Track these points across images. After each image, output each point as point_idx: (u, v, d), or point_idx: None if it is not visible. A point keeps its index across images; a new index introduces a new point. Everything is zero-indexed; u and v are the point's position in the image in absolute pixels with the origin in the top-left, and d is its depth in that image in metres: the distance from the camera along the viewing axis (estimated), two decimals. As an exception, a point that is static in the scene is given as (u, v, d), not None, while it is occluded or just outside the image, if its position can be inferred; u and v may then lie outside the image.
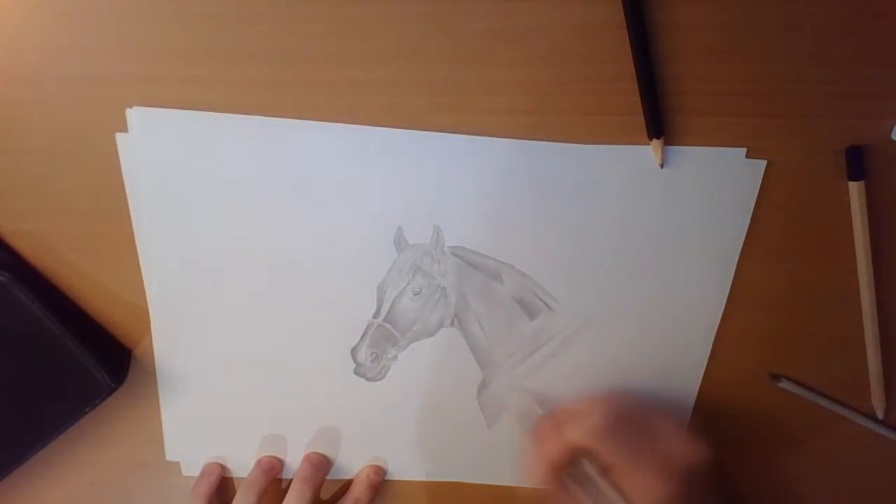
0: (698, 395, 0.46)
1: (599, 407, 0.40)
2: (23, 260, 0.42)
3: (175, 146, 0.39)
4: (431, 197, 0.41)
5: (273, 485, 0.47)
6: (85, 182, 0.40)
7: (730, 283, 0.43)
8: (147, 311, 0.43)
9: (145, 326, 0.43)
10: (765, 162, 0.40)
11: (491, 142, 0.40)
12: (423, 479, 0.48)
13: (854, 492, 0.49)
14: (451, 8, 0.37)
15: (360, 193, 0.41)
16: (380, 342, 0.44)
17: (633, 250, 0.42)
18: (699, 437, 0.39)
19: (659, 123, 0.39)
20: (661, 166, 0.40)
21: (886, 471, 0.48)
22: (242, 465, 0.47)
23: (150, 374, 0.45)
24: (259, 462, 0.47)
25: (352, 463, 0.48)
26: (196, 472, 0.47)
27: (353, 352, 0.44)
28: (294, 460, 0.47)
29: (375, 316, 0.44)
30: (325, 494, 0.49)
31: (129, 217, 0.41)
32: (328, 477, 0.48)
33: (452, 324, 0.44)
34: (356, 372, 0.45)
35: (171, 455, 0.47)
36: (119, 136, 0.39)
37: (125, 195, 0.40)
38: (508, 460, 0.48)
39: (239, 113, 0.39)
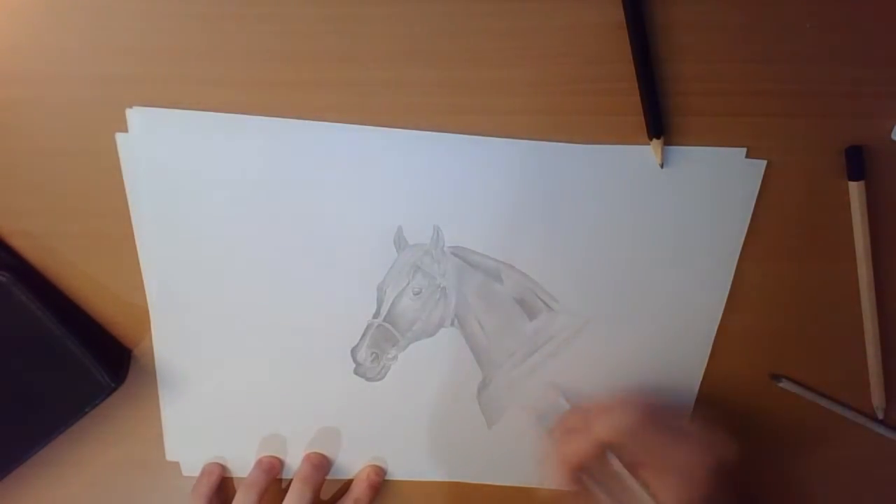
0: (698, 395, 0.46)
1: (631, 404, 0.40)
2: (23, 260, 0.42)
3: (175, 146, 0.39)
4: (431, 197, 0.41)
5: (273, 485, 0.47)
6: (85, 182, 0.40)
7: (730, 283, 0.43)
8: (147, 311, 0.43)
9: (145, 326, 0.44)
10: (765, 162, 0.40)
11: (491, 142, 0.40)
12: (423, 480, 0.48)
13: (854, 492, 0.49)
14: (451, 8, 0.37)
15: (360, 193, 0.41)
16: (380, 342, 0.44)
17: (633, 250, 0.42)
18: (725, 440, 0.39)
19: (659, 123, 0.39)
20: (661, 166, 0.40)
21: (886, 471, 0.48)
22: (242, 465, 0.47)
23: (150, 374, 0.45)
24: (259, 462, 0.47)
25: (351, 463, 0.48)
26: (196, 472, 0.47)
27: (353, 352, 0.44)
28: (294, 460, 0.47)
29: (375, 316, 0.44)
30: (326, 494, 0.49)
31: (129, 217, 0.41)
32: (328, 477, 0.48)
33: (452, 324, 0.44)
34: (356, 372, 0.45)
35: (171, 455, 0.47)
36: (119, 136, 0.39)
37: (125, 195, 0.40)
38: (508, 460, 0.48)
39: (239, 113, 0.39)
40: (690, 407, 0.46)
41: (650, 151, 0.40)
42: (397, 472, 0.48)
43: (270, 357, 0.45)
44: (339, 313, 0.44)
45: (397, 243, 0.42)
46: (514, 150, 0.40)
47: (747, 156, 0.40)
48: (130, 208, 0.41)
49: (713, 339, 0.44)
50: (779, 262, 0.43)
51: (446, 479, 0.48)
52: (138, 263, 0.42)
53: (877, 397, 0.45)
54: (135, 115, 0.39)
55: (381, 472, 0.48)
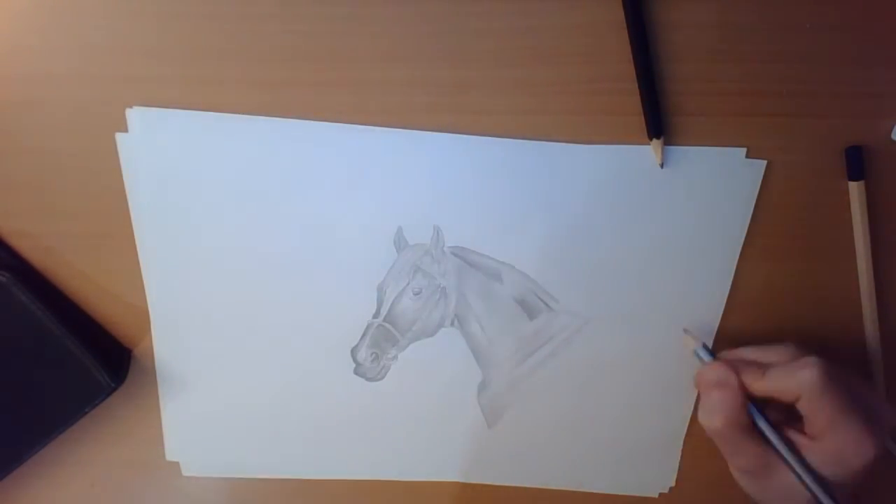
0: (698, 395, 0.46)
1: (810, 360, 0.37)
2: (23, 260, 0.42)
3: (175, 146, 0.39)
4: (431, 197, 0.41)
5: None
6: (85, 182, 0.40)
7: (730, 283, 0.43)
8: (147, 311, 0.43)
9: (145, 326, 0.44)
10: (765, 162, 0.40)
11: (491, 142, 0.40)
12: (423, 480, 0.48)
13: (853, 492, 0.49)
14: (451, 8, 0.37)
15: (360, 193, 0.41)
16: (380, 342, 0.44)
17: (633, 250, 0.42)
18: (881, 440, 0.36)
19: (659, 123, 0.39)
20: (661, 166, 0.40)
21: (886, 471, 0.48)
22: (243, 466, 0.47)
23: (150, 374, 0.45)
24: None
25: (352, 463, 0.48)
26: (196, 473, 0.47)
27: (353, 352, 0.44)
28: (293, 460, 0.47)
29: (375, 316, 0.44)
30: (328, 495, 0.49)
31: (129, 217, 0.41)
32: (329, 477, 0.48)
33: (452, 324, 0.44)
34: (356, 372, 0.45)
35: (171, 455, 0.47)
36: (119, 136, 0.39)
37: (125, 195, 0.40)
38: (508, 460, 0.48)
39: (239, 113, 0.39)
40: (691, 407, 0.46)
41: (650, 151, 0.40)
42: (397, 473, 0.48)
43: (270, 357, 0.45)
44: (339, 313, 0.44)
45: (397, 243, 0.42)
46: (515, 150, 0.40)
47: (747, 156, 0.40)
48: (130, 208, 0.41)
49: (713, 338, 0.44)
50: (779, 262, 0.43)
51: (446, 480, 0.48)
52: (138, 263, 0.42)
53: (877, 397, 0.45)
54: (135, 115, 0.39)
55: None
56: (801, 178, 0.41)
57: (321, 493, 0.48)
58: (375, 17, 0.37)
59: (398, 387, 0.45)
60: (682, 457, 0.47)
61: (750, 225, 0.41)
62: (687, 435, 0.47)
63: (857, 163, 0.40)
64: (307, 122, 0.39)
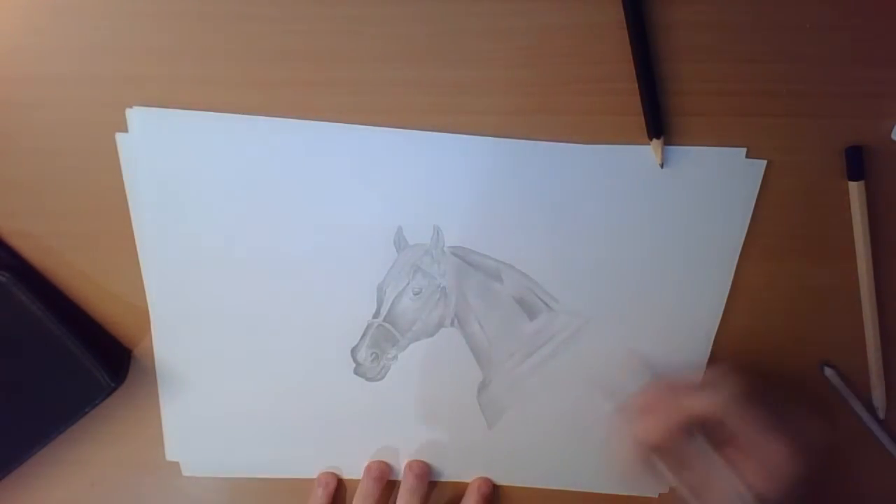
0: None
1: (731, 377, 0.38)
2: (23, 260, 0.42)
3: (175, 146, 0.39)
4: (431, 197, 0.41)
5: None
6: (85, 182, 0.40)
7: (730, 283, 0.43)
8: (147, 311, 0.43)
9: (145, 326, 0.44)
10: (765, 162, 0.40)
11: (491, 142, 0.40)
12: (423, 479, 0.48)
13: (854, 492, 0.49)
14: (451, 8, 0.37)
15: (360, 193, 0.41)
16: (380, 342, 0.44)
17: (633, 250, 0.42)
18: (823, 428, 0.38)
19: (659, 123, 0.39)
20: (661, 166, 0.40)
21: (887, 472, 0.48)
22: (243, 466, 0.47)
23: (150, 374, 0.45)
24: (368, 469, 0.46)
25: (352, 463, 0.48)
26: (196, 472, 0.47)
27: (353, 352, 0.44)
28: (294, 460, 0.47)
29: (375, 316, 0.44)
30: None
31: (129, 217, 0.41)
32: (327, 469, 0.48)
33: (452, 324, 0.44)
34: (356, 372, 0.45)
35: (171, 455, 0.47)
36: (119, 136, 0.39)
37: (125, 195, 0.40)
38: (508, 460, 0.48)
39: (239, 113, 0.39)
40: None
41: (650, 151, 0.40)
42: (397, 473, 0.48)
43: (270, 357, 0.45)
44: (339, 313, 0.44)
45: (397, 243, 0.42)
46: (515, 150, 0.40)
47: (747, 156, 0.40)
48: (130, 208, 0.41)
49: (713, 338, 0.44)
50: (779, 262, 0.43)
51: (446, 480, 0.48)
52: (138, 263, 0.42)
53: (877, 397, 0.45)
54: (135, 115, 0.39)
55: (490, 483, 0.47)
56: (801, 178, 0.41)
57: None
58: (375, 17, 0.37)
59: (398, 387, 0.45)
60: (682, 457, 0.47)
61: (750, 225, 0.41)
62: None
63: (857, 163, 0.40)
64: (307, 122, 0.39)
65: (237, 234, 0.42)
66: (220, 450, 0.47)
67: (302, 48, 0.38)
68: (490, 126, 0.39)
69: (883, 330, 0.43)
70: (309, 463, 0.48)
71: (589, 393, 0.45)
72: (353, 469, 0.48)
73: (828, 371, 0.45)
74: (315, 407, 0.46)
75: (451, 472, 0.48)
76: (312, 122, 0.39)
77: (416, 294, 0.43)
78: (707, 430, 0.38)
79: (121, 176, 0.40)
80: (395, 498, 0.47)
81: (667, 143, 0.40)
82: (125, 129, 0.39)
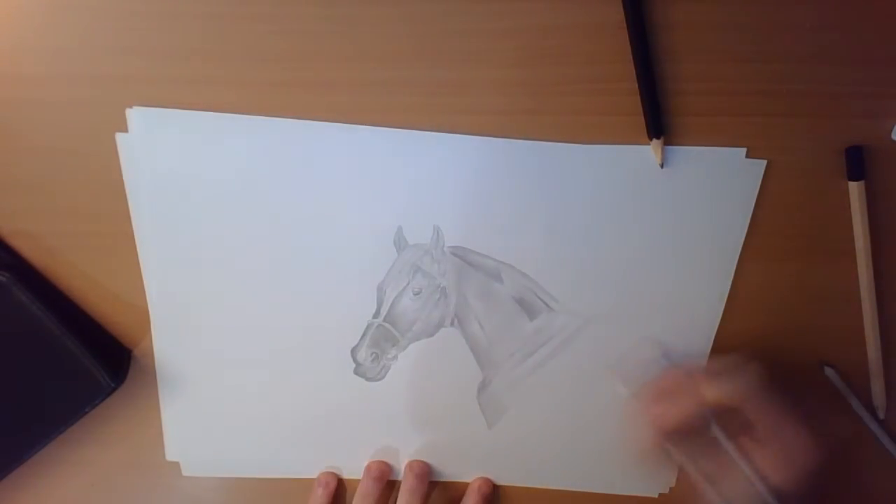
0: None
1: (751, 366, 0.38)
2: (23, 260, 0.42)
3: (175, 146, 0.39)
4: (431, 197, 0.41)
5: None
6: (85, 182, 0.40)
7: (730, 283, 0.43)
8: (147, 311, 0.43)
9: (145, 326, 0.44)
10: (765, 162, 0.40)
11: (491, 142, 0.40)
12: (423, 479, 0.48)
13: (854, 492, 0.49)
14: (451, 8, 0.37)
15: (360, 193, 0.41)
16: (380, 342, 0.44)
17: (633, 250, 0.42)
18: (841, 424, 0.38)
19: (659, 123, 0.39)
20: (661, 166, 0.40)
21: (887, 472, 0.48)
22: (243, 466, 0.47)
23: (150, 374, 0.45)
24: (368, 469, 0.46)
25: (352, 463, 0.48)
26: (196, 473, 0.47)
27: (353, 352, 0.44)
28: (294, 460, 0.47)
29: (375, 316, 0.44)
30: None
31: (129, 217, 0.41)
32: (327, 469, 0.48)
33: (452, 324, 0.44)
34: (356, 372, 0.45)
35: (171, 455, 0.47)
36: (119, 136, 0.39)
37: (125, 195, 0.40)
38: (508, 460, 0.48)
39: (239, 113, 0.39)
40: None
41: (650, 151, 0.40)
42: (397, 473, 0.48)
43: (270, 357, 0.45)
44: (339, 313, 0.44)
45: (397, 243, 0.42)
46: (514, 150, 0.40)
47: (747, 156, 0.40)
48: (130, 208, 0.41)
49: (713, 338, 0.44)
50: (779, 262, 0.43)
51: (446, 480, 0.48)
52: (138, 263, 0.42)
53: (877, 397, 0.45)
54: (135, 115, 0.39)
55: (491, 483, 0.48)
56: (801, 178, 0.41)
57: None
58: (375, 18, 0.37)
59: (398, 387, 0.45)
60: (682, 457, 0.47)
61: (750, 225, 0.41)
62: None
63: (857, 163, 0.40)
64: (307, 122, 0.39)
65: (237, 234, 0.42)
66: (220, 450, 0.47)
67: (301, 48, 0.38)
68: (490, 126, 0.39)
69: (883, 330, 0.43)
70: (309, 463, 0.48)
71: (590, 391, 0.45)
72: (353, 469, 0.48)
73: (828, 371, 0.45)
74: (315, 407, 0.46)
75: (451, 472, 0.48)
76: (312, 122, 0.39)
77: (416, 294, 0.43)
78: (723, 419, 0.38)
79: (121, 176, 0.40)
80: (395, 498, 0.47)
81: (667, 143, 0.40)
82: (125, 129, 0.39)
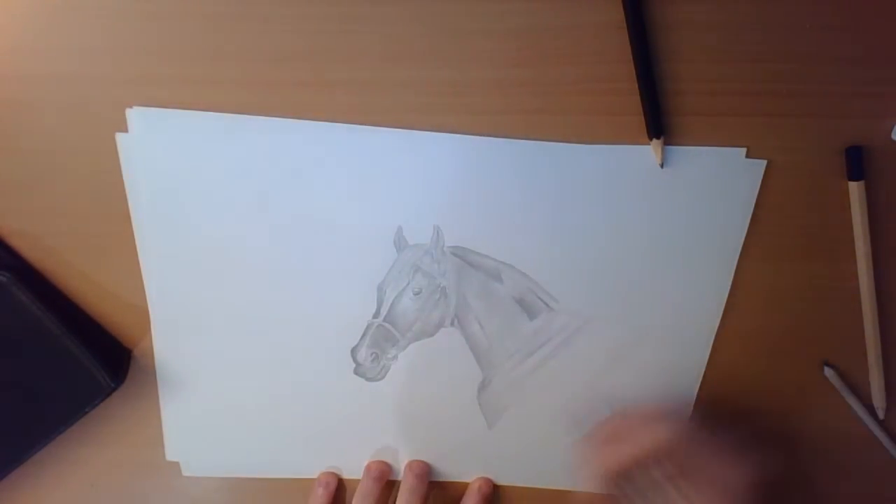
0: (698, 396, 0.46)
1: (678, 415, 0.41)
2: (23, 260, 0.42)
3: (175, 146, 0.39)
4: (431, 197, 0.41)
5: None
6: (85, 182, 0.40)
7: (730, 283, 0.43)
8: (147, 311, 0.43)
9: (145, 326, 0.44)
10: (765, 162, 0.40)
11: (491, 142, 0.40)
12: (423, 479, 0.48)
13: (854, 492, 0.49)
14: (451, 8, 0.37)
15: (360, 193, 0.41)
16: (380, 342, 0.44)
17: (633, 250, 0.42)
18: (765, 456, 0.39)
19: (659, 123, 0.39)
20: (661, 166, 0.40)
21: (887, 472, 0.48)
22: (243, 466, 0.47)
23: (150, 374, 0.45)
24: (368, 469, 0.47)
25: (352, 463, 0.48)
26: (196, 473, 0.47)
27: (353, 352, 0.44)
28: (294, 460, 0.47)
29: (375, 316, 0.44)
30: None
31: (129, 217, 0.41)
32: (326, 469, 0.48)
33: (452, 324, 0.44)
34: (356, 372, 0.45)
35: (171, 455, 0.47)
36: (119, 136, 0.39)
37: (125, 195, 0.40)
38: (508, 460, 0.48)
39: (239, 113, 0.39)
40: (690, 407, 0.46)
41: (650, 151, 0.40)
42: (397, 473, 0.48)
43: (270, 357, 0.45)
44: (339, 313, 0.44)
45: (397, 243, 0.42)
46: (514, 150, 0.40)
47: (747, 156, 0.40)
48: (130, 208, 0.41)
49: (713, 338, 0.44)
50: (779, 262, 0.43)
51: (446, 480, 0.48)
52: (138, 263, 0.42)
53: (877, 397, 0.45)
54: (135, 115, 0.39)
55: (491, 483, 0.48)
56: (801, 178, 0.41)
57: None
58: (375, 18, 0.37)
59: (398, 387, 0.45)
60: (682, 457, 0.47)
61: (750, 225, 0.41)
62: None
63: (857, 163, 0.40)
64: (307, 122, 0.39)
65: (237, 234, 0.42)
66: (220, 450, 0.47)
67: (302, 48, 0.38)
68: (490, 126, 0.39)
69: (883, 330, 0.43)
70: (309, 463, 0.48)
71: (590, 391, 0.45)
72: (353, 469, 0.48)
73: (828, 371, 0.45)
74: (315, 407, 0.46)
75: (451, 472, 0.48)
76: (312, 122, 0.39)
77: (416, 294, 0.43)
78: (663, 462, 0.39)
79: (121, 176, 0.40)
80: (395, 498, 0.47)
81: (667, 143, 0.40)
82: (125, 129, 0.39)
